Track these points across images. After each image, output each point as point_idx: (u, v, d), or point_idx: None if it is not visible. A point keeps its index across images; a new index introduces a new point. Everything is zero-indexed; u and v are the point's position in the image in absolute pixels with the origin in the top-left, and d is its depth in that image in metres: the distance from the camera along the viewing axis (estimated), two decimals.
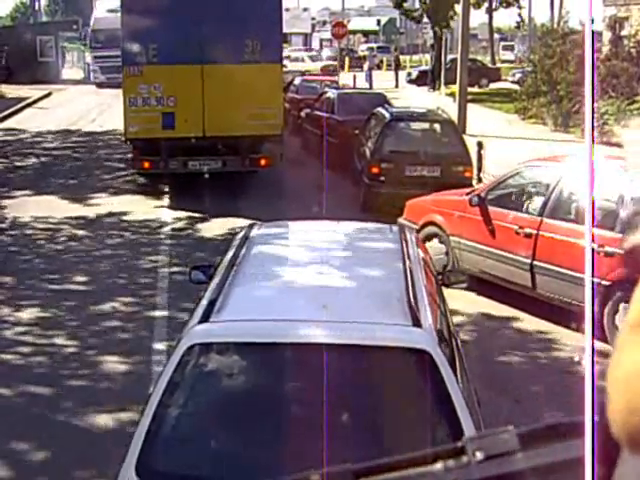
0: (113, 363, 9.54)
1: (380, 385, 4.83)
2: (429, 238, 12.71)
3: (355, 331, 4.80)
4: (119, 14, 45.66)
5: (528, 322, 11.20)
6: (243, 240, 6.40)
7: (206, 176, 18.19)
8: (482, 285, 12.05)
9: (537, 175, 12.13)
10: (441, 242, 12.79)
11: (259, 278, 5.92)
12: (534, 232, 11.21)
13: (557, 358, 10.09)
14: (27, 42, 53.21)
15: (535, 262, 11.16)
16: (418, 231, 12.14)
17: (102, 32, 47.89)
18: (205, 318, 4.84)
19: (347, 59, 59.42)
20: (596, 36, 33.93)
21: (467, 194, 12.64)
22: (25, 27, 70.44)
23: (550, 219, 11.10)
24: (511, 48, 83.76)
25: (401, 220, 12.90)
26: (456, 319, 8.84)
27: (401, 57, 60.54)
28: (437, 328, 5.06)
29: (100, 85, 48.00)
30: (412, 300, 5.03)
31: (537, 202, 11.53)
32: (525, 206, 11.78)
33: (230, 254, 6.08)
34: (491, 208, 12.03)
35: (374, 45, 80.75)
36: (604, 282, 9.94)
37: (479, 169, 18.47)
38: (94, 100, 40.55)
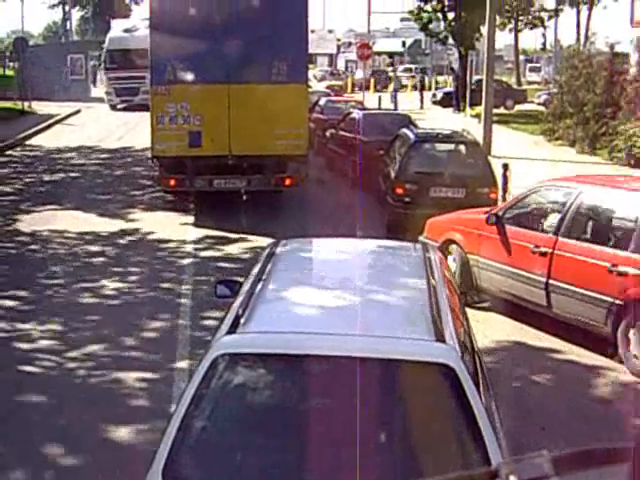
0: (133, 380, 9.54)
1: (404, 399, 4.87)
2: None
3: (379, 345, 4.85)
4: (135, 34, 45.65)
5: (553, 343, 11.13)
6: (269, 256, 6.47)
7: (232, 195, 18.30)
8: (506, 306, 12.05)
9: (553, 195, 12.17)
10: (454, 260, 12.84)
11: (285, 292, 5.96)
12: (549, 251, 11.23)
13: (586, 383, 9.99)
14: (58, 61, 53.57)
15: (550, 281, 11.18)
16: (438, 248, 11.92)
17: (117, 53, 47.12)
18: (233, 329, 4.91)
19: (372, 80, 59.50)
20: (623, 57, 33.88)
21: (485, 213, 12.70)
22: (56, 46, 71.15)
23: (565, 238, 11.10)
24: (538, 70, 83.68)
25: (421, 238, 13.29)
26: (480, 341, 8.83)
27: (426, 78, 60.74)
28: (460, 344, 5.10)
29: (114, 107, 47.16)
30: (435, 316, 5.10)
31: (553, 221, 11.56)
32: (541, 225, 11.83)
33: (256, 269, 6.15)
34: (508, 227, 12.11)
35: (412, 66, 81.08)
36: (617, 301, 10.10)
37: (504, 191, 18.41)
38: (122, 118, 40.79)
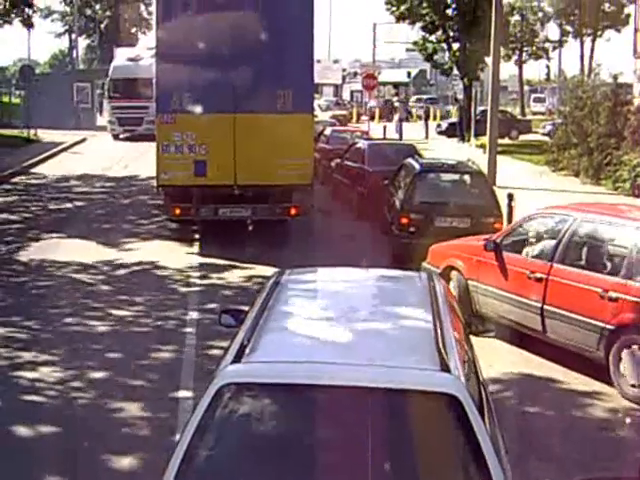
0: (136, 409, 9.51)
1: (409, 428, 4.85)
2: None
3: (384, 375, 4.84)
4: (140, 63, 45.35)
5: (557, 372, 11.13)
6: (274, 285, 6.48)
7: (237, 224, 18.34)
8: (511, 335, 12.05)
9: (549, 222, 12.45)
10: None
11: (290, 322, 5.96)
12: (544, 277, 11.48)
13: (591, 413, 9.96)
14: (64, 89, 53.73)
15: (545, 306, 11.40)
16: (440, 274, 12.32)
17: (121, 82, 46.35)
18: (237, 359, 4.91)
19: (377, 110, 59.67)
20: (627, 88, 33.95)
21: (485, 240, 12.92)
22: (62, 74, 71.42)
23: (560, 264, 11.36)
24: (542, 100, 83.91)
25: (425, 264, 13.65)
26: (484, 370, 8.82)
27: (431, 108, 60.88)
28: (465, 373, 5.10)
29: (117, 137, 46.42)
30: (440, 346, 5.10)
31: (548, 248, 11.80)
32: (537, 252, 12.06)
33: (261, 298, 6.15)
34: (506, 253, 12.37)
35: (423, 97, 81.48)
36: (609, 326, 10.38)
37: (509, 221, 18.38)
38: (128, 146, 40.77)
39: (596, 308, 10.57)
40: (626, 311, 10.29)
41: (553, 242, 11.73)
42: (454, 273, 13.32)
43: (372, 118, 52.02)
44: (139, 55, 47.41)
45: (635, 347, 10.18)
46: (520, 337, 12.04)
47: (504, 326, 11.97)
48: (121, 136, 45.97)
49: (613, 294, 10.40)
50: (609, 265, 10.92)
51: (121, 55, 50.18)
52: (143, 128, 43.22)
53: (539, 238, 12.37)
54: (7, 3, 47.15)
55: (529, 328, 11.84)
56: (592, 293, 10.66)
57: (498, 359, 11.11)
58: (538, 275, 11.55)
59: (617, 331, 10.32)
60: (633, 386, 10.16)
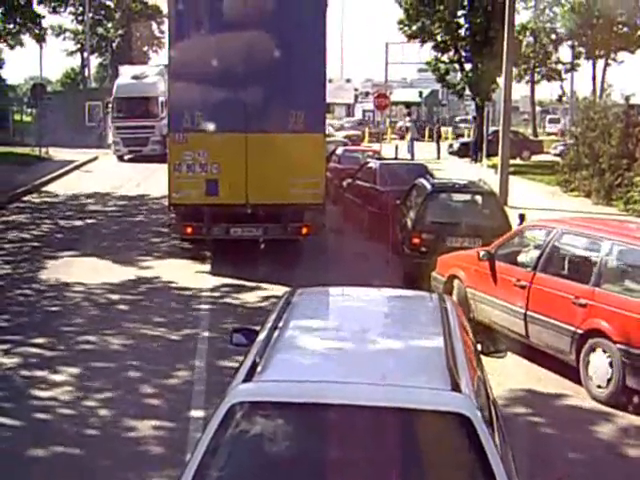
0: (149, 429, 9.53)
1: (420, 448, 4.87)
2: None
3: (395, 394, 4.86)
4: (145, 81, 44.23)
5: (567, 388, 11.22)
6: (285, 304, 6.50)
7: (249, 242, 18.37)
8: (523, 353, 12.17)
9: (536, 234, 13.28)
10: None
11: (301, 341, 5.97)
12: (527, 284, 12.30)
13: (602, 433, 9.97)
14: (76, 107, 53.78)
15: (528, 312, 12.21)
16: (445, 283, 14.35)
17: (125, 101, 44.03)
18: (249, 378, 4.93)
19: (389, 129, 59.70)
20: (639, 109, 33.93)
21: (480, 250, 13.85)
22: (74, 92, 71.58)
23: (541, 273, 12.19)
24: (557, 121, 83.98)
25: (433, 273, 14.89)
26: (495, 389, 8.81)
27: (442, 129, 60.92)
28: (476, 393, 5.11)
29: (121, 158, 44.27)
30: (451, 365, 5.11)
31: (532, 258, 12.66)
32: (523, 261, 12.93)
33: (273, 317, 6.17)
34: (498, 263, 13.19)
35: (457, 117, 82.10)
36: (579, 331, 11.19)
37: None
38: (139, 165, 40.55)
39: (569, 314, 11.37)
40: (593, 316, 11.01)
41: (537, 252, 12.57)
42: (456, 281, 14.24)
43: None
44: (144, 73, 46.32)
45: (600, 350, 10.85)
46: (530, 353, 12.23)
47: (516, 348, 12.06)
48: (125, 157, 44.29)
49: (583, 300, 11.19)
50: (581, 274, 11.62)
51: (125, 73, 48.44)
52: (149, 149, 42.47)
53: (527, 249, 13.24)
54: (18, 25, 47.34)
55: (515, 333, 12.51)
56: (566, 300, 11.47)
57: (508, 377, 11.10)
58: (522, 283, 12.38)
59: (585, 335, 11.07)
60: (599, 387, 10.80)
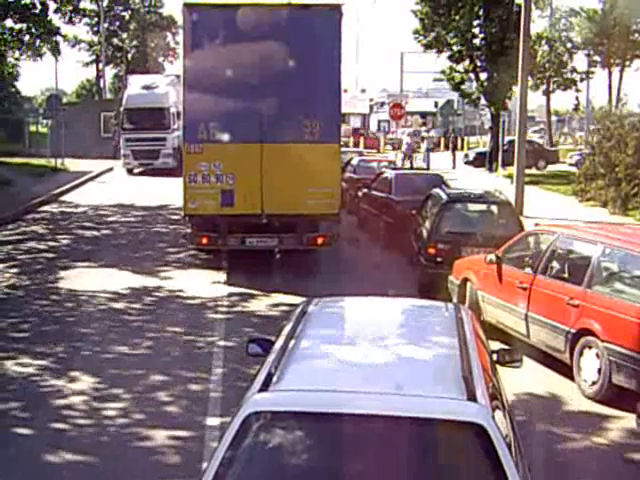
0: (164, 437, 9.53)
1: (436, 457, 4.87)
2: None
3: (411, 404, 4.86)
4: (155, 91, 43.46)
5: (584, 398, 11.19)
6: (301, 314, 6.51)
7: (264, 252, 18.39)
8: (538, 362, 12.24)
9: (539, 238, 13.91)
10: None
11: (317, 351, 5.99)
12: (528, 286, 12.80)
13: (616, 441, 9.94)
14: (91, 118, 53.85)
15: (529, 313, 12.71)
16: (459, 286, 14.91)
17: (135, 112, 42.57)
18: (265, 387, 4.94)
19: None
20: None
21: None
22: (90, 104, 71.65)
23: (541, 275, 12.69)
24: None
25: (450, 277, 15.38)
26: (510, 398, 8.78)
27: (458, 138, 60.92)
28: (492, 403, 5.11)
29: (131, 172, 43.16)
30: (467, 375, 5.10)
31: (534, 260, 13.13)
32: (525, 264, 13.32)
33: (288, 327, 6.18)
34: (504, 266, 13.69)
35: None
36: (572, 330, 11.62)
37: None
38: (154, 178, 40.60)
39: (564, 314, 11.83)
40: (585, 316, 11.44)
41: (538, 256, 13.11)
42: (468, 284, 14.78)
43: (399, 148, 52.02)
44: (155, 83, 45.10)
45: (590, 349, 11.27)
46: (547, 365, 12.31)
47: (531, 357, 12.08)
48: (135, 171, 43.22)
49: (576, 301, 11.65)
50: (576, 276, 12.01)
51: (135, 83, 46.38)
52: (160, 162, 41.67)
53: (530, 252, 13.77)
54: (38, 39, 47.36)
55: (518, 332, 13.02)
56: (561, 300, 11.95)
57: (523, 385, 11.07)
58: (524, 285, 12.90)
59: (578, 334, 11.50)
60: (589, 384, 11.23)
